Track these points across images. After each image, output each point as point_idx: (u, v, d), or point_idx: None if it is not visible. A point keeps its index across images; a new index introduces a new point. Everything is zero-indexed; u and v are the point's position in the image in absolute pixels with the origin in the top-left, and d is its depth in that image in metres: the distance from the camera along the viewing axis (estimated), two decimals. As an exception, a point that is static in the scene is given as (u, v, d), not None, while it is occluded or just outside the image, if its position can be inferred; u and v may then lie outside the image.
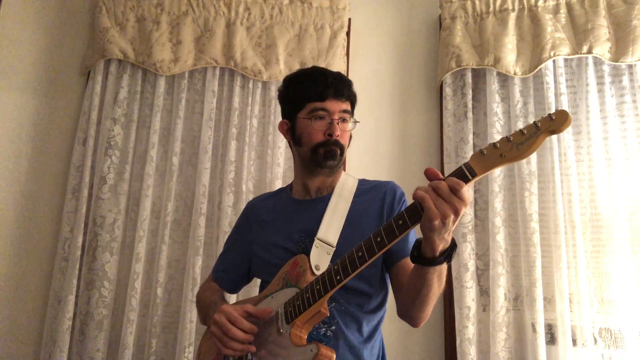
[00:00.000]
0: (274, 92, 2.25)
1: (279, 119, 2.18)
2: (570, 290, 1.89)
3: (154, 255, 2.12)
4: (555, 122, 0.83)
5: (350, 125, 1.30)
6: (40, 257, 2.17)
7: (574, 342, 1.85)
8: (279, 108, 2.20)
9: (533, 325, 1.88)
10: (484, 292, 2.02)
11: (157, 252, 2.09)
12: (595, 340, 1.85)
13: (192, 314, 2.01)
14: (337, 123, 1.26)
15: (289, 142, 1.39)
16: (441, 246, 0.95)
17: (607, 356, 1.84)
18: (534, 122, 0.85)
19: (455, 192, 0.87)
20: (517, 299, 1.98)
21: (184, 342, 1.97)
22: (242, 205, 2.11)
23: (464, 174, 0.89)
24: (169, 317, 2.10)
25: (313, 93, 1.26)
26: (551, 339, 1.91)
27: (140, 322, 2.07)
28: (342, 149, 1.28)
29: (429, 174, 0.92)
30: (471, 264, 1.99)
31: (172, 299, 2.12)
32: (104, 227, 2.10)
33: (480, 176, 0.89)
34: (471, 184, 0.90)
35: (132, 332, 2.01)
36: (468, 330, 1.92)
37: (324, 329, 1.16)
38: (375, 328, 1.23)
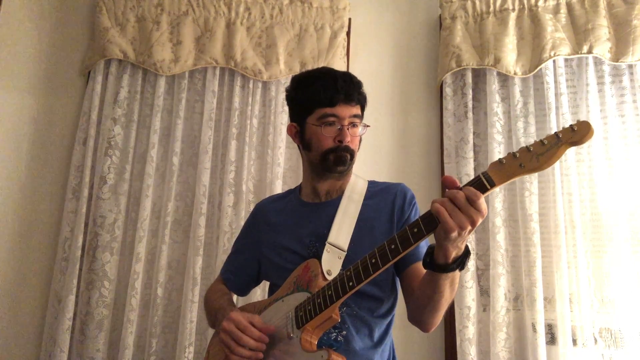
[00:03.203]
0: (274, 92, 2.25)
1: (279, 119, 2.22)
2: (570, 290, 1.89)
3: (154, 255, 2.12)
4: (578, 134, 0.81)
5: (360, 129, 1.28)
6: (40, 257, 2.17)
7: (574, 342, 1.85)
8: (279, 108, 2.23)
9: (533, 325, 1.88)
10: (484, 292, 2.03)
11: (157, 252, 2.09)
12: (595, 340, 1.85)
13: (192, 314, 2.01)
14: (348, 128, 1.23)
15: (297, 146, 1.36)
16: (454, 254, 0.94)
17: (607, 356, 1.84)
18: (555, 132, 0.83)
19: (472, 202, 0.86)
20: (517, 299, 1.99)
21: (184, 342, 1.97)
22: (242, 206, 2.11)
23: (482, 183, 0.87)
24: (169, 317, 2.10)
25: (323, 98, 1.22)
26: (551, 339, 1.91)
27: (140, 322, 2.07)
28: (352, 155, 1.26)
29: (447, 182, 0.91)
30: (471, 264, 1.99)
31: (172, 299, 2.12)
32: (104, 227, 2.10)
33: (499, 186, 0.87)
34: (489, 193, 0.88)
35: (132, 332, 2.01)
36: (468, 330, 1.92)
37: (334, 334, 1.15)
38: (386, 332, 1.22)
